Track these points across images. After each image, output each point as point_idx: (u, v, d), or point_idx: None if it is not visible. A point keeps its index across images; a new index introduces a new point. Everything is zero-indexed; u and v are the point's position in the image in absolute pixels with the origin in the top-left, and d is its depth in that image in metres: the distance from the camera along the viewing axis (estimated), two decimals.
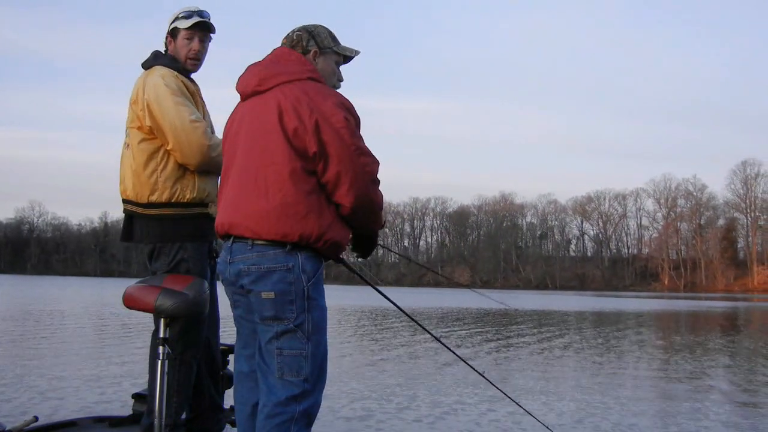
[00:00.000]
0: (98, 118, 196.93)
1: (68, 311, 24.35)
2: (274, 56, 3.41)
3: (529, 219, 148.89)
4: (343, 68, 3.59)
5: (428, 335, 15.87)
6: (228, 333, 4.74)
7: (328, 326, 3.31)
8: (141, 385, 6.12)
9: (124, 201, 4.36)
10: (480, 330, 19.69)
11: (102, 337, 14.97)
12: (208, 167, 4.26)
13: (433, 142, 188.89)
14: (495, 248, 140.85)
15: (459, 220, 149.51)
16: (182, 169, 4.24)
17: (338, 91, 3.45)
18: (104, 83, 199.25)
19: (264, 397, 3.20)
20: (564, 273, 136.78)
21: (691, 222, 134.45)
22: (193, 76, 4.51)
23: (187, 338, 4.16)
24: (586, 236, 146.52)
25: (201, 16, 4.38)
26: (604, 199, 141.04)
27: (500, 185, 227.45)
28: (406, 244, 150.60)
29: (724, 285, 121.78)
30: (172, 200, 4.22)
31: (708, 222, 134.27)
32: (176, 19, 4.40)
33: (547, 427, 5.13)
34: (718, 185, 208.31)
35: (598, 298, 64.35)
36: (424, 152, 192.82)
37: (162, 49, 4.47)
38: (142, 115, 4.21)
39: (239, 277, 3.23)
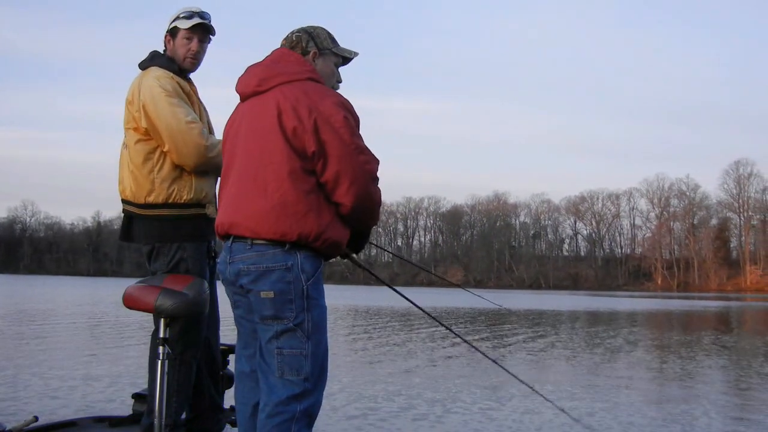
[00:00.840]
0: (92, 118, 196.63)
1: (64, 311, 24.28)
2: (274, 57, 3.42)
3: (522, 219, 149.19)
4: (342, 69, 3.61)
5: (423, 334, 15.88)
6: (228, 333, 4.74)
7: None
8: (141, 385, 6.12)
9: (123, 201, 4.38)
10: (473, 329, 19.70)
11: (100, 337, 14.92)
12: (206, 168, 4.26)
13: (427, 142, 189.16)
14: (488, 248, 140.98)
15: (452, 219, 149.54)
16: (179, 169, 4.25)
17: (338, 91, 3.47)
18: (99, 83, 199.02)
19: (265, 397, 3.21)
20: (557, 273, 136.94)
21: (684, 222, 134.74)
22: (192, 75, 4.53)
23: (187, 338, 4.17)
24: (579, 236, 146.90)
25: (202, 18, 4.39)
26: (598, 198, 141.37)
27: (493, 185, 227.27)
28: (399, 243, 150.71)
29: (716, 285, 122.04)
30: (169, 201, 4.23)
31: (701, 222, 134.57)
32: (177, 18, 4.40)
33: (562, 410, 5.11)
34: (711, 185, 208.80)
35: (591, 298, 64.42)
36: (417, 152, 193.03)
37: (161, 48, 4.47)
38: (138, 116, 4.22)
39: (239, 277, 3.24)
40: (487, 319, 24.87)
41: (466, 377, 9.79)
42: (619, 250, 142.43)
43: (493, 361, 4.57)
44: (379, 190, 3.35)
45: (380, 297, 47.00)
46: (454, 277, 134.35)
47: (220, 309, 4.59)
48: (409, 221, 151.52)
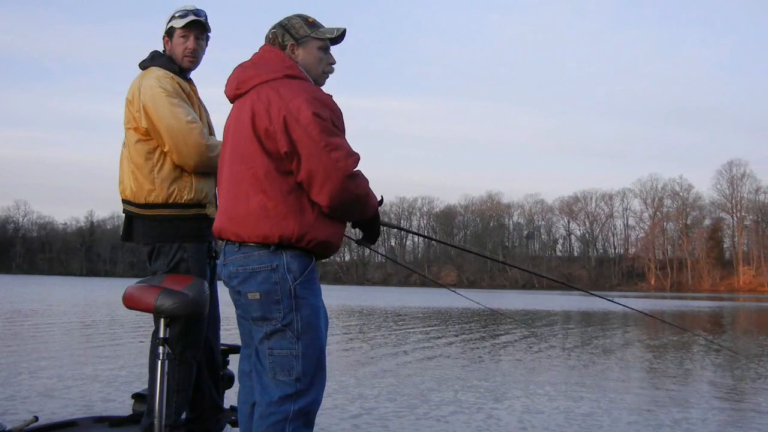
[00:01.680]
0: (85, 118, 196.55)
1: (61, 310, 24.24)
2: (256, 57, 3.41)
3: (515, 219, 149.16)
4: (338, 69, 3.54)
5: (419, 334, 15.88)
6: (228, 333, 4.75)
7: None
8: (141, 385, 6.12)
9: (124, 201, 4.38)
10: (464, 329, 19.71)
11: (99, 337, 14.88)
12: (206, 168, 4.26)
13: (421, 142, 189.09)
14: (482, 248, 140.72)
15: (446, 219, 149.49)
16: (179, 169, 4.25)
17: (329, 80, 3.47)
18: (93, 83, 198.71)
19: (258, 397, 3.22)
20: (551, 273, 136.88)
21: (677, 222, 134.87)
22: (192, 75, 4.53)
23: (187, 338, 4.18)
24: (572, 236, 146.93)
25: (196, 15, 4.40)
26: (591, 199, 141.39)
27: (487, 185, 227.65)
28: (392, 243, 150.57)
29: (710, 285, 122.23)
30: (170, 201, 4.24)
31: (694, 222, 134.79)
32: (172, 18, 4.42)
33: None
34: (705, 185, 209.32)
35: (584, 298, 64.45)
36: (411, 152, 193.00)
37: (160, 49, 4.49)
38: (138, 116, 4.23)
39: (231, 279, 3.27)
40: (482, 318, 24.89)
41: (463, 378, 9.81)
42: (613, 251, 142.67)
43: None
44: (362, 182, 3.23)
45: (372, 297, 47.01)
46: (447, 277, 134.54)
47: (220, 309, 4.59)
48: (402, 221, 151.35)
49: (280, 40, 3.38)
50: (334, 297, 43.70)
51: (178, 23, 4.38)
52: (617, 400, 8.24)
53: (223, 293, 3.91)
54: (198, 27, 4.43)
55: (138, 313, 3.93)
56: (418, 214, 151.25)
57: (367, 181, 3.28)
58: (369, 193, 3.31)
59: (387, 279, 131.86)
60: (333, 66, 3.51)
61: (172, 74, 4.31)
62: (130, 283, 4.16)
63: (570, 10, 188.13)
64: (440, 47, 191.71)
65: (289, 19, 3.42)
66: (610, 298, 5.11)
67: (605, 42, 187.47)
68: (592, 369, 11.28)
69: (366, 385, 8.91)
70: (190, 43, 4.40)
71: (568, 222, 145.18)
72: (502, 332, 19.06)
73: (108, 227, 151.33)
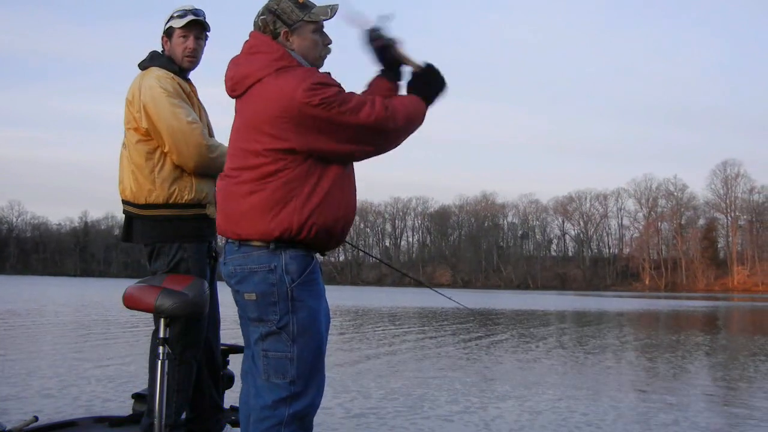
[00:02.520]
0: (80, 118, 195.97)
1: (58, 310, 24.20)
2: (246, 48, 3.28)
3: (510, 219, 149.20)
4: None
5: (415, 333, 15.88)
6: (228, 333, 4.75)
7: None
8: (141, 385, 6.11)
9: (123, 202, 4.37)
10: (460, 329, 19.73)
11: (97, 337, 14.84)
12: (207, 169, 4.26)
13: (415, 142, 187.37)
14: (476, 248, 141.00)
15: (440, 220, 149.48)
16: (180, 169, 4.25)
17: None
18: (87, 83, 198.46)
19: (252, 400, 3.18)
20: (545, 273, 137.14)
21: (671, 222, 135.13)
22: (191, 75, 4.54)
23: (187, 338, 4.18)
24: (567, 236, 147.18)
25: (195, 15, 4.40)
26: (586, 199, 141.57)
27: (481, 185, 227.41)
28: (387, 244, 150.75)
29: (704, 285, 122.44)
30: (170, 201, 4.24)
31: (688, 222, 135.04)
32: (171, 18, 4.41)
33: None
34: (699, 185, 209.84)
35: (579, 298, 64.57)
36: (405, 152, 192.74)
37: (158, 50, 4.48)
38: (139, 117, 4.23)
39: (230, 278, 3.23)
40: (479, 318, 24.90)
41: (462, 378, 9.82)
42: (607, 251, 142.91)
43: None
44: (396, 109, 3.17)
45: (365, 297, 47.03)
46: (442, 277, 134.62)
47: (220, 309, 4.60)
48: (397, 221, 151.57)
49: (271, 27, 3.21)
50: (328, 297, 43.60)
51: (178, 23, 4.37)
52: (617, 399, 8.26)
53: (224, 293, 3.91)
54: (197, 27, 4.43)
55: (135, 312, 3.93)
56: (412, 214, 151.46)
57: (397, 103, 3.21)
58: (410, 111, 3.24)
59: (381, 279, 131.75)
60: (330, 47, 3.36)
61: (172, 74, 4.31)
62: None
63: (565, 10, 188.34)
64: (435, 47, 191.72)
65: (278, 2, 3.22)
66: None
67: (601, 43, 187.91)
68: (589, 369, 11.29)
69: (365, 384, 8.90)
70: (190, 42, 4.40)
71: (563, 222, 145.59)
72: (499, 332, 19.08)
73: (102, 227, 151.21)
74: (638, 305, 46.68)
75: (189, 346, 4.20)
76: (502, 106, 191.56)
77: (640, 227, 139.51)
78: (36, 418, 4.55)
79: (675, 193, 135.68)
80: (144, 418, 4.23)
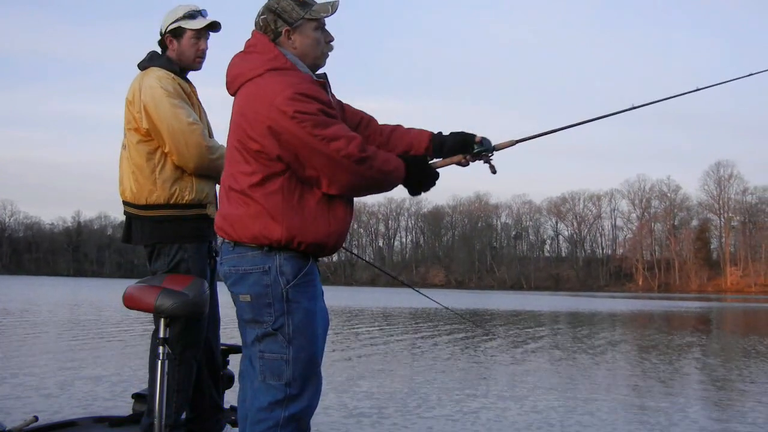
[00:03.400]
0: (72, 118, 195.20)
1: (55, 310, 24.16)
2: (244, 49, 3.26)
3: (503, 219, 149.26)
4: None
5: (410, 333, 15.88)
6: (228, 333, 4.75)
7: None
8: (141, 385, 6.11)
9: (124, 203, 4.36)
10: (456, 329, 19.74)
11: (95, 336, 14.83)
12: (207, 170, 4.25)
13: None
14: (469, 249, 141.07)
15: (434, 220, 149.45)
16: (180, 170, 4.24)
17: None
18: (83, 83, 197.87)
19: (249, 402, 3.16)
20: (538, 273, 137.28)
21: (665, 223, 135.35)
22: (190, 76, 4.52)
23: (187, 338, 4.17)
24: (560, 237, 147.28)
25: (205, 17, 4.38)
26: (579, 199, 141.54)
27: (475, 186, 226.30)
28: (380, 244, 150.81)
29: (697, 285, 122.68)
30: (171, 202, 4.23)
31: (682, 223, 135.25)
32: (180, 18, 4.33)
33: None
34: (692, 186, 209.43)
35: (572, 299, 64.65)
36: None
37: (157, 49, 4.45)
38: (139, 117, 4.21)
39: (225, 279, 3.22)
40: (473, 319, 24.93)
41: (461, 377, 9.84)
42: (601, 251, 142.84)
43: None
44: (373, 162, 3.08)
45: (360, 298, 47.00)
46: (435, 278, 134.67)
47: (220, 309, 4.60)
48: (390, 222, 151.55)
49: (272, 26, 3.18)
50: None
51: (190, 24, 4.32)
52: (614, 399, 8.28)
53: (224, 293, 3.91)
54: (213, 29, 4.43)
55: (134, 312, 3.93)
56: (406, 214, 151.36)
57: (379, 156, 3.13)
58: (384, 168, 3.15)
59: (375, 280, 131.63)
60: (332, 44, 3.31)
61: (173, 75, 4.29)
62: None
63: (557, 10, 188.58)
64: (426, 48, 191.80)
65: (278, 1, 3.18)
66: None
67: (592, 42, 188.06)
68: (586, 369, 11.31)
69: (361, 384, 8.91)
70: (203, 44, 4.39)
71: (556, 223, 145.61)
72: (496, 331, 19.08)
73: (95, 227, 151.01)
74: (632, 306, 46.75)
75: (189, 346, 4.19)
76: (496, 106, 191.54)
77: (634, 228, 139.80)
78: (36, 418, 4.55)
79: (668, 194, 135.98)
80: (144, 418, 4.22)
